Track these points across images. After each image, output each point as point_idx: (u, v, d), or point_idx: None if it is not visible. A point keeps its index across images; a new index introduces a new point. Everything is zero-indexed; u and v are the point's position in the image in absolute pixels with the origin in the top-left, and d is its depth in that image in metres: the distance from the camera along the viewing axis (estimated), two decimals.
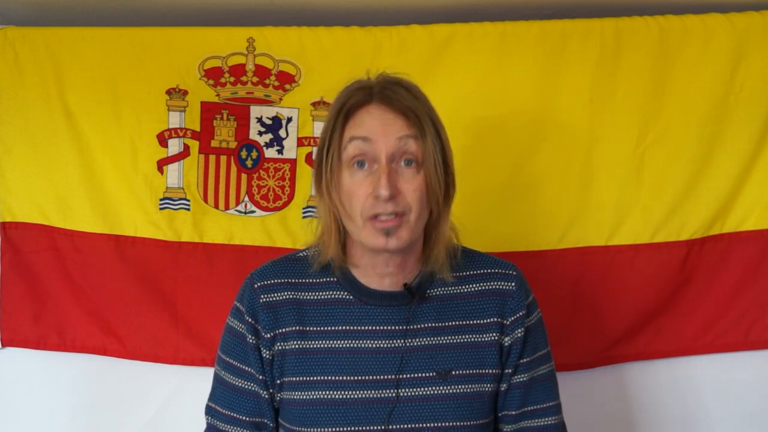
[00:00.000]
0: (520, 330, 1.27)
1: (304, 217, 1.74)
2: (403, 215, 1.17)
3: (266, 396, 1.26)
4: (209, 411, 1.31)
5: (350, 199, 1.18)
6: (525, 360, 1.28)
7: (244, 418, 1.27)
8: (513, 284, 1.28)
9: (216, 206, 1.74)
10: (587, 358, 1.75)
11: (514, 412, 1.28)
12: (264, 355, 1.25)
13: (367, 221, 1.17)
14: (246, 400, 1.27)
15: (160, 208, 1.73)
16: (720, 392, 1.79)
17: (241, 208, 1.74)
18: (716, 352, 1.77)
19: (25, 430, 1.80)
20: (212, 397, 1.32)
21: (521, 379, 1.28)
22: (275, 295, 1.26)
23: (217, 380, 1.31)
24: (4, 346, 1.78)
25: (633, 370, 1.78)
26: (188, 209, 1.74)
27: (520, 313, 1.27)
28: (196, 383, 1.70)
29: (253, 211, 1.74)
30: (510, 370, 1.27)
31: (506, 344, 1.26)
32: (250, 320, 1.26)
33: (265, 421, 1.28)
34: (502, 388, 1.28)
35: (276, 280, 1.27)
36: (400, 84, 1.21)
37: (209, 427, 1.31)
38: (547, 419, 1.30)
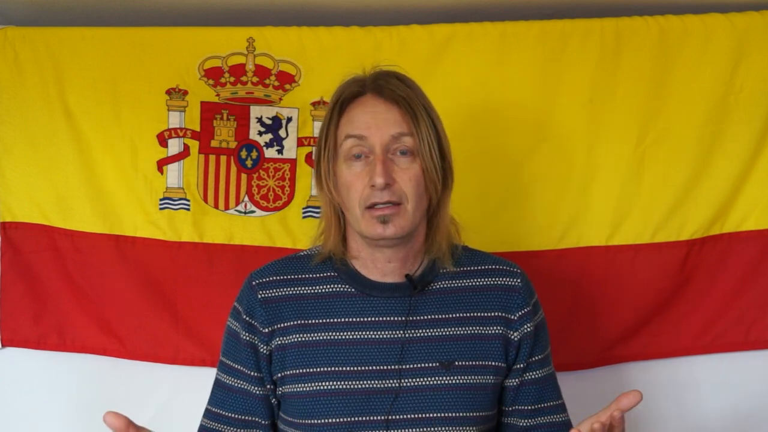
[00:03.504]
0: (528, 325, 1.27)
1: (304, 217, 1.74)
2: (399, 204, 1.19)
3: (259, 393, 1.27)
4: (204, 413, 1.32)
5: (348, 191, 1.21)
6: (538, 357, 1.29)
7: (231, 415, 1.28)
8: (518, 280, 1.29)
9: (216, 206, 1.74)
10: (587, 358, 1.75)
11: (529, 408, 1.29)
12: (261, 350, 1.26)
13: (365, 211, 1.19)
14: (235, 398, 1.28)
15: (160, 208, 1.73)
16: (720, 392, 1.79)
17: (241, 208, 1.74)
18: (716, 352, 1.77)
19: (25, 430, 1.80)
20: (208, 400, 1.33)
21: (535, 376, 1.29)
22: (274, 291, 1.27)
23: (215, 383, 1.32)
24: (4, 346, 1.77)
25: (633, 370, 1.78)
26: (188, 209, 1.74)
27: (527, 309, 1.28)
28: (196, 383, 1.70)
29: (253, 211, 1.74)
30: (521, 366, 1.28)
31: (515, 339, 1.27)
32: (246, 318, 1.27)
33: (256, 419, 1.28)
34: (513, 384, 1.28)
35: (275, 277, 1.28)
36: (393, 75, 1.25)
37: (199, 428, 1.32)
38: (561, 416, 1.32)
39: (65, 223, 1.74)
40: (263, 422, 1.29)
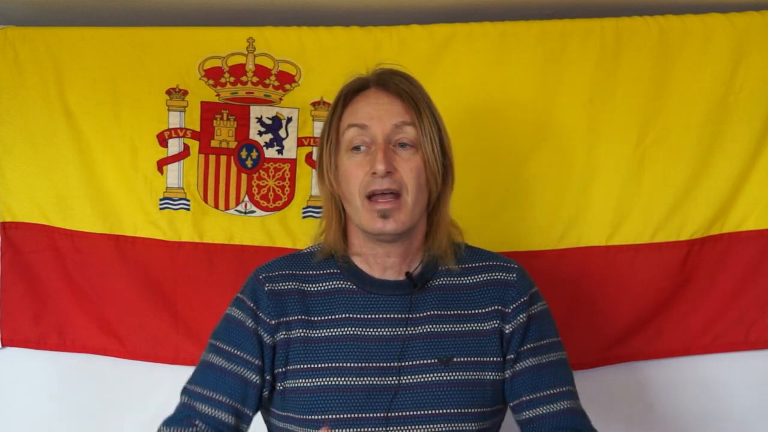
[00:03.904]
0: (522, 316, 1.27)
1: (304, 217, 1.74)
2: (399, 196, 1.20)
3: (256, 381, 1.25)
4: (186, 392, 1.28)
5: (348, 180, 1.22)
6: (529, 346, 1.27)
7: (224, 399, 1.24)
8: (514, 275, 1.30)
9: (216, 206, 1.74)
10: (587, 358, 1.75)
11: (526, 398, 1.26)
12: (265, 340, 1.25)
13: (365, 201, 1.20)
14: (231, 383, 1.25)
15: (160, 208, 1.73)
16: (720, 392, 1.79)
17: (241, 208, 1.74)
18: (716, 352, 1.77)
19: (25, 430, 1.80)
20: (192, 380, 1.29)
21: (527, 365, 1.26)
22: (280, 284, 1.27)
23: (202, 364, 1.29)
24: (4, 346, 1.77)
25: (633, 370, 1.78)
26: (188, 209, 1.74)
27: (522, 300, 1.28)
28: None
29: (253, 211, 1.74)
30: (512, 356, 1.26)
31: (507, 331, 1.27)
32: (251, 305, 1.26)
33: (245, 410, 1.26)
34: (507, 375, 1.27)
35: (281, 272, 1.29)
36: (397, 72, 1.27)
37: (183, 406, 1.27)
38: (562, 403, 1.26)
39: (65, 223, 1.74)
40: (249, 413, 1.26)
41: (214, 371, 1.27)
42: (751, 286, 1.75)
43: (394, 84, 1.23)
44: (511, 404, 1.29)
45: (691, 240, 1.73)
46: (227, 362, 1.26)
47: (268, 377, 1.26)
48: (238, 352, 1.26)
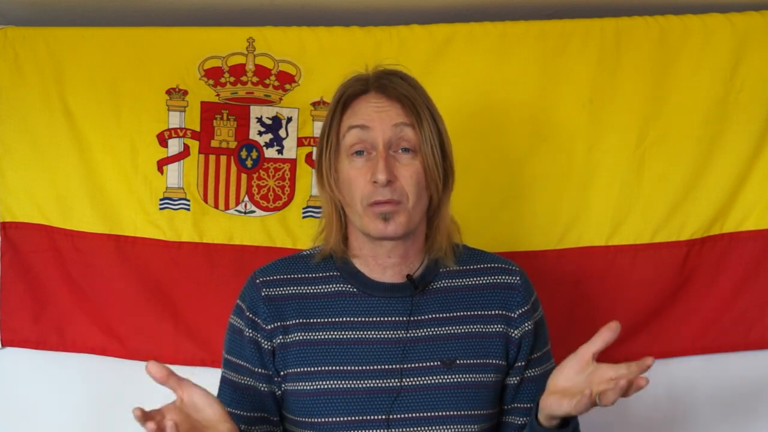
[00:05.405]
0: (528, 323, 1.28)
1: (304, 217, 1.74)
2: (399, 203, 1.20)
3: (265, 389, 1.27)
4: None
5: (350, 187, 1.21)
6: (537, 354, 1.30)
7: (240, 413, 1.27)
8: (518, 278, 1.30)
9: (216, 206, 1.74)
10: None
11: (527, 406, 1.28)
12: (264, 346, 1.26)
13: (367, 208, 1.20)
14: (243, 396, 1.27)
15: (160, 208, 1.73)
16: (720, 393, 1.79)
17: (241, 208, 1.74)
18: (716, 352, 1.77)
19: (25, 429, 1.80)
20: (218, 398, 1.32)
21: (534, 373, 1.30)
22: (277, 289, 1.27)
23: (221, 380, 1.31)
24: (4, 346, 1.77)
25: None
26: (188, 209, 1.74)
27: (527, 307, 1.29)
28: (196, 383, 1.70)
29: (253, 211, 1.74)
30: (522, 363, 1.28)
31: (515, 337, 1.27)
32: (249, 315, 1.27)
33: (265, 415, 1.28)
34: (514, 381, 1.29)
35: (278, 276, 1.29)
36: (397, 74, 1.25)
37: None
38: None
39: (65, 223, 1.74)
40: (273, 418, 1.28)
41: (229, 387, 1.29)
42: (751, 286, 1.75)
43: (393, 88, 1.22)
44: (507, 407, 1.31)
45: (691, 240, 1.73)
46: (237, 374, 1.28)
47: (277, 378, 1.27)
48: (243, 363, 1.27)
